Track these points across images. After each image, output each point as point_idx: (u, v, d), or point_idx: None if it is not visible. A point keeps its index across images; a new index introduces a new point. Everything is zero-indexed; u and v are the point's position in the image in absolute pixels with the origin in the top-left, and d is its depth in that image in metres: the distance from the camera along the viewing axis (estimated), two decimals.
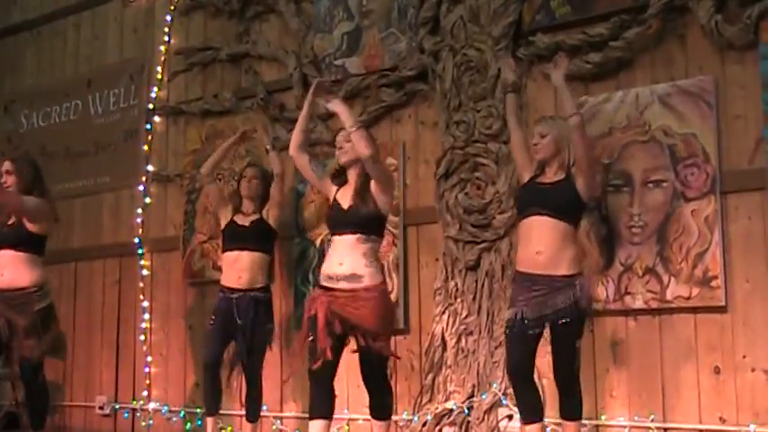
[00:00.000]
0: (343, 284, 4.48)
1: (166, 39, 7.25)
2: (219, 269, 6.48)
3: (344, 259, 4.50)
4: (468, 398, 5.31)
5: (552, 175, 4.56)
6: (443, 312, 5.46)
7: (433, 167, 5.69)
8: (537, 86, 5.40)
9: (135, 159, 7.30)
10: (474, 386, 5.30)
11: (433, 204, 5.67)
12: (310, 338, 4.46)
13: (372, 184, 4.56)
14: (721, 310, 4.72)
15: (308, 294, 4.95)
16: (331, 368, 4.49)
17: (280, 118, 6.45)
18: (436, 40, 5.72)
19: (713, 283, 4.70)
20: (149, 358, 6.96)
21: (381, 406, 4.75)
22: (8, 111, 8.44)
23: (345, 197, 4.61)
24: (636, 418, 4.89)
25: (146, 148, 7.22)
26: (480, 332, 5.34)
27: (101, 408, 7.19)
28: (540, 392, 4.58)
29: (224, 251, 5.86)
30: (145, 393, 6.86)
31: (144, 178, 7.22)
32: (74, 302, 7.59)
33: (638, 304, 4.90)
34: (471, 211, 5.48)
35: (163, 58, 7.24)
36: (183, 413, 6.69)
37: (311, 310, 4.53)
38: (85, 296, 7.54)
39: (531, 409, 4.45)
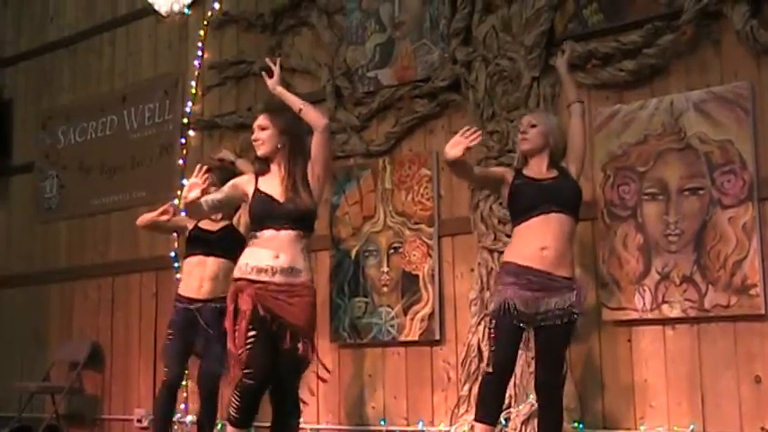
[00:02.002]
0: (279, 278, 4.29)
1: (200, 53, 7.30)
2: None
3: (281, 252, 4.32)
4: (506, 408, 5.28)
5: (544, 171, 4.40)
6: (479, 323, 5.43)
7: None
8: None
9: (170, 173, 7.35)
10: (511, 397, 5.26)
11: (467, 215, 5.66)
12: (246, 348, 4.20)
13: (314, 164, 4.45)
14: (761, 318, 4.66)
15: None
16: (265, 376, 4.24)
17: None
18: (469, 50, 5.72)
19: (752, 291, 4.64)
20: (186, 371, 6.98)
21: (284, 428, 4.51)
22: (46, 127, 8.53)
23: (274, 188, 4.42)
24: (675, 428, 4.84)
25: (181, 162, 7.27)
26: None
27: (139, 421, 7.23)
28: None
29: (186, 257, 5.66)
30: (183, 406, 6.89)
31: (179, 192, 7.26)
32: (111, 316, 7.64)
33: (676, 313, 4.85)
34: (506, 221, 5.44)
35: (197, 73, 7.29)
36: (220, 425, 6.70)
37: (233, 302, 4.28)
38: (123, 309, 7.59)
39: (495, 411, 4.25)
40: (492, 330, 4.28)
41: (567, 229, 4.32)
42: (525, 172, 4.45)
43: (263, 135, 4.51)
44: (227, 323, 4.31)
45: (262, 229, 4.41)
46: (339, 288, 6.15)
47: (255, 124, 4.58)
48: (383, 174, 6.06)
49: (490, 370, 4.27)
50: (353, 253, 6.12)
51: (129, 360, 7.44)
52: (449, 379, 5.65)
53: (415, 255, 5.83)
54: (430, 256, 5.77)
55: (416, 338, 5.76)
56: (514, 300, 4.20)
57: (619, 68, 5.17)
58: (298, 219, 4.39)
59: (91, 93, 8.26)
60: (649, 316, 4.94)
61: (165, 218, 5.55)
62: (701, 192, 4.85)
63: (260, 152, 4.52)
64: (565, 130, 4.57)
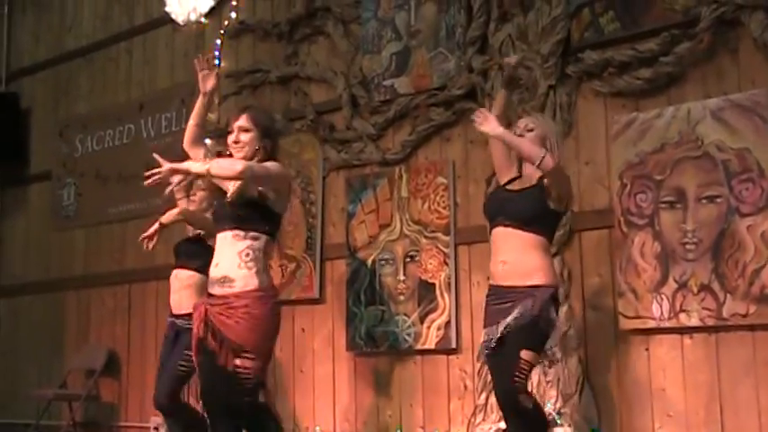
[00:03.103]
0: (216, 289, 4.03)
1: (216, 62, 7.32)
2: None
3: (220, 259, 4.07)
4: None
5: (532, 180, 4.24)
6: None
7: (483, 186, 5.67)
8: (587, 103, 5.37)
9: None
10: None
11: (483, 223, 5.64)
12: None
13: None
14: None
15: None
16: (215, 407, 4.04)
17: (329, 139, 6.48)
18: (485, 58, 5.72)
19: None
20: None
21: None
22: (63, 135, 8.59)
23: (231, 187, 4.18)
24: None
25: None
26: None
27: (155, 429, 7.22)
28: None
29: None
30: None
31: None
32: (128, 323, 7.67)
33: (694, 322, 4.83)
34: None
35: None
36: None
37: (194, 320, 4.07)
38: (139, 317, 7.61)
39: None
40: (485, 361, 4.31)
41: (524, 242, 4.15)
42: (510, 182, 4.37)
43: (245, 137, 4.23)
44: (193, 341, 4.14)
45: (217, 233, 4.20)
46: (355, 296, 6.15)
47: (236, 125, 4.27)
48: (399, 182, 6.06)
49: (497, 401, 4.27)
50: (370, 261, 6.12)
51: (146, 367, 7.45)
52: (465, 387, 5.65)
53: (431, 263, 5.83)
54: (446, 264, 5.77)
55: (433, 347, 5.76)
56: (489, 329, 4.16)
57: (635, 76, 5.16)
58: (233, 217, 4.07)
59: (108, 101, 8.31)
60: (667, 325, 4.92)
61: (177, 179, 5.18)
62: (718, 200, 4.83)
63: (239, 155, 4.20)
64: (561, 137, 4.50)
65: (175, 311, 5.44)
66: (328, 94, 6.59)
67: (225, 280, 4.01)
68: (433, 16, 6.05)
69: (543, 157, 4.06)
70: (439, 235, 5.83)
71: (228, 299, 3.99)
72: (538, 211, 4.20)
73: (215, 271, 4.06)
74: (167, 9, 7.65)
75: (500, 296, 4.17)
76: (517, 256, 4.14)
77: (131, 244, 7.77)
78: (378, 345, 6.00)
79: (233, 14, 7.27)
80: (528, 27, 5.59)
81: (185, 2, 7.55)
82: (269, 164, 4.15)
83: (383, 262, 6.06)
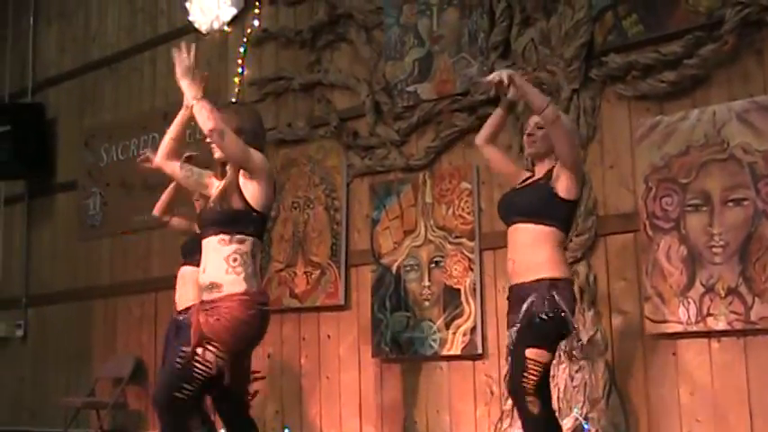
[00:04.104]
0: (205, 295, 3.93)
1: (240, 70, 7.35)
2: (297, 297, 6.56)
3: (207, 265, 3.96)
4: None
5: (542, 175, 4.18)
6: None
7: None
8: (611, 107, 5.35)
9: None
10: (555, 411, 5.23)
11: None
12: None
13: (240, 171, 4.01)
14: None
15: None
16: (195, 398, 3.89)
17: (353, 145, 6.49)
18: (508, 63, 5.70)
19: None
20: None
21: None
22: (89, 145, 8.64)
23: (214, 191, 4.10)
24: None
25: None
26: (560, 356, 5.28)
27: None
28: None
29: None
30: None
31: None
32: (154, 331, 7.69)
33: (722, 326, 4.79)
34: None
35: (237, 90, 7.34)
36: None
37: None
38: (165, 325, 7.56)
39: None
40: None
41: (532, 236, 4.06)
42: (521, 180, 4.31)
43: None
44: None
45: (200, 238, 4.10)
46: (380, 303, 6.15)
47: None
48: (423, 188, 6.06)
49: None
50: (394, 267, 6.12)
51: None
52: (492, 393, 5.63)
53: (456, 269, 5.82)
54: (471, 269, 5.76)
55: (459, 352, 5.75)
56: (509, 332, 4.13)
57: (659, 79, 5.13)
58: (216, 221, 3.96)
59: (132, 111, 8.35)
60: (694, 329, 4.88)
61: (148, 165, 5.06)
62: (745, 203, 4.80)
63: (216, 155, 4.08)
64: (575, 134, 4.44)
65: (179, 307, 5.44)
66: (351, 100, 6.59)
67: (212, 286, 3.90)
68: (456, 21, 6.04)
69: (548, 104, 3.99)
70: (464, 240, 5.82)
71: (215, 302, 3.88)
72: (544, 200, 4.09)
73: (203, 277, 3.96)
74: (190, 18, 7.68)
75: (513, 295, 4.13)
76: (524, 252, 4.07)
77: (157, 252, 7.83)
78: (403, 351, 6.00)
79: (256, 22, 7.30)
80: (551, 31, 5.58)
81: (208, 10, 7.58)
82: (251, 149, 4.01)
83: (408, 268, 6.06)
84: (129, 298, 7.98)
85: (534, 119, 4.24)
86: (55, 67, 9.20)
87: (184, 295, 5.49)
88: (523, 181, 4.32)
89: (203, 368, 3.82)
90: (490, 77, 4.16)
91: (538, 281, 4.00)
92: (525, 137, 4.27)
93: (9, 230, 9.32)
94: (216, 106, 4.06)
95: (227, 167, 4.12)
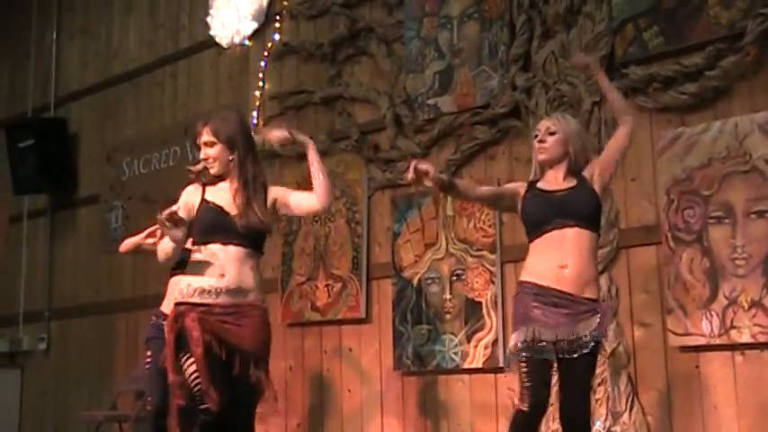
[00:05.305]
0: (224, 299, 3.91)
1: (261, 84, 7.38)
2: (318, 310, 6.56)
3: (228, 271, 3.94)
4: None
5: (561, 182, 4.09)
6: None
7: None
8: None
9: None
10: None
11: None
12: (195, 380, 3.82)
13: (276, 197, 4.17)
14: None
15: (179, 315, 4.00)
16: (224, 408, 3.82)
17: (374, 158, 6.50)
18: (528, 76, 5.71)
19: None
20: None
21: None
22: (111, 159, 8.68)
23: (224, 199, 4.08)
24: None
25: None
26: None
27: None
28: None
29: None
30: None
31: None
32: None
33: (745, 338, 4.76)
34: None
35: (258, 104, 7.37)
36: None
37: (175, 329, 3.86)
38: None
39: None
40: (523, 364, 3.92)
41: (588, 244, 3.98)
42: (539, 184, 4.16)
43: (213, 152, 4.12)
44: (168, 352, 3.92)
45: (206, 243, 4.03)
46: (402, 316, 6.14)
47: (201, 141, 4.18)
48: (444, 201, 6.05)
49: (525, 408, 3.91)
50: (416, 280, 6.12)
51: None
52: (513, 406, 5.60)
53: (477, 282, 5.82)
54: (493, 282, 5.75)
55: (480, 366, 5.73)
56: (541, 326, 3.89)
57: (681, 91, 5.12)
58: (249, 235, 3.99)
59: (154, 125, 8.40)
60: (717, 341, 4.85)
61: (150, 241, 4.97)
62: None
63: (213, 171, 4.13)
64: (586, 137, 4.41)
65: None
66: (372, 113, 6.61)
67: (239, 290, 3.94)
68: (476, 35, 6.05)
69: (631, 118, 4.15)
70: (485, 253, 5.82)
71: (243, 308, 3.93)
72: (598, 209, 4.07)
73: (221, 281, 3.93)
74: (211, 33, 7.73)
75: (555, 301, 3.92)
76: (581, 261, 3.95)
77: None
78: (425, 364, 5.99)
79: (276, 36, 7.33)
80: (571, 43, 5.58)
81: (229, 25, 7.62)
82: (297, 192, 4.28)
83: (429, 281, 6.06)
84: (151, 311, 7.93)
85: (545, 123, 4.17)
86: (77, 82, 9.26)
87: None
88: (534, 183, 4.17)
89: (263, 388, 4.02)
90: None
91: (596, 300, 3.99)
92: (536, 143, 4.16)
93: (32, 244, 9.36)
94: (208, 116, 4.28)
95: (230, 178, 4.14)
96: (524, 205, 4.14)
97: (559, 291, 3.93)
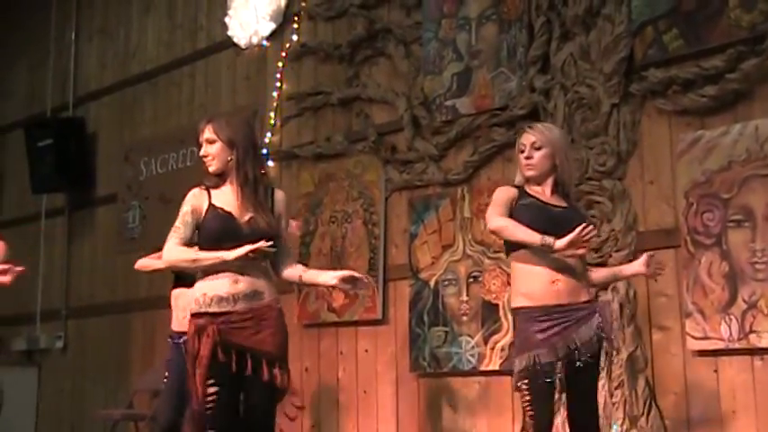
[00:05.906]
0: (241, 305, 3.92)
1: (278, 85, 7.39)
2: (335, 311, 6.56)
3: (241, 276, 3.94)
4: None
5: (549, 196, 4.06)
6: None
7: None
8: (651, 122, 5.32)
9: None
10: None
11: None
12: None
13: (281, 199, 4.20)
14: None
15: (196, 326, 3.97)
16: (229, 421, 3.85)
17: (391, 160, 6.50)
18: (547, 78, 5.69)
19: None
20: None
21: None
22: (128, 159, 8.71)
23: (230, 204, 4.06)
24: None
25: None
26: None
27: None
28: None
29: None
30: None
31: None
32: None
33: (765, 343, 4.73)
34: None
35: (275, 104, 7.38)
36: None
37: (199, 345, 3.85)
38: None
39: None
40: (525, 391, 3.89)
41: (579, 259, 4.00)
42: (530, 191, 4.09)
43: (213, 150, 4.12)
44: (190, 369, 3.92)
45: (215, 250, 3.99)
46: (418, 317, 6.14)
47: (202, 138, 4.17)
48: (462, 203, 6.05)
49: None
50: (432, 282, 6.11)
51: None
52: None
53: (494, 284, 5.80)
54: (509, 284, 5.72)
55: (497, 368, 5.72)
56: (541, 353, 3.86)
57: (700, 94, 5.09)
58: (257, 240, 3.94)
59: (171, 125, 8.42)
60: (736, 346, 4.83)
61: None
62: None
63: (212, 169, 4.12)
64: (569, 144, 4.39)
65: (179, 329, 5.23)
66: (390, 115, 6.60)
67: (255, 294, 3.96)
68: (494, 36, 6.04)
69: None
70: (502, 255, 5.77)
71: (260, 311, 3.96)
72: None
73: (235, 287, 3.93)
74: (229, 33, 7.74)
75: (551, 316, 3.90)
76: (571, 275, 3.96)
77: None
78: (441, 366, 5.98)
79: (294, 37, 7.34)
80: (590, 46, 5.56)
81: (247, 25, 7.63)
82: None
83: (446, 282, 6.05)
84: (167, 311, 7.97)
85: (529, 138, 4.07)
86: (96, 82, 9.30)
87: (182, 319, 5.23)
88: (524, 190, 4.12)
89: (286, 389, 4.00)
90: None
91: (590, 301, 4.00)
92: (522, 158, 4.10)
93: (50, 243, 9.40)
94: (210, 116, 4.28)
95: (231, 179, 4.12)
96: (520, 212, 4.03)
97: (555, 305, 3.93)
